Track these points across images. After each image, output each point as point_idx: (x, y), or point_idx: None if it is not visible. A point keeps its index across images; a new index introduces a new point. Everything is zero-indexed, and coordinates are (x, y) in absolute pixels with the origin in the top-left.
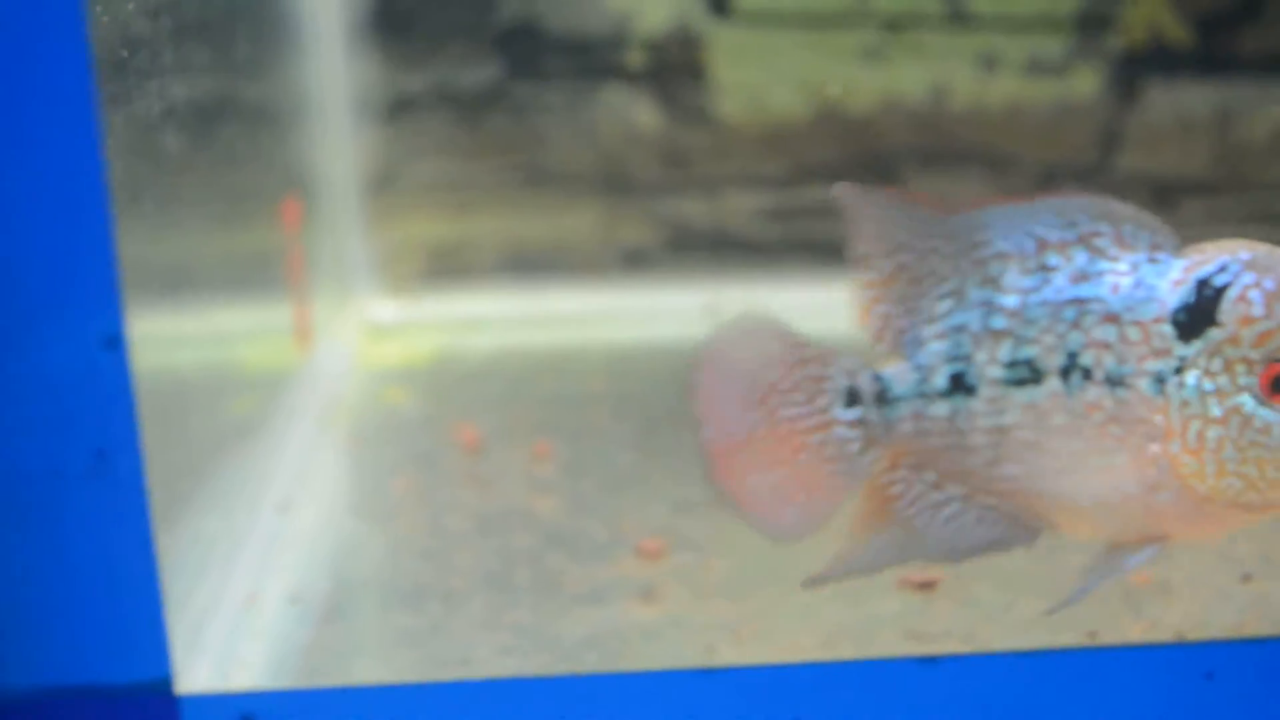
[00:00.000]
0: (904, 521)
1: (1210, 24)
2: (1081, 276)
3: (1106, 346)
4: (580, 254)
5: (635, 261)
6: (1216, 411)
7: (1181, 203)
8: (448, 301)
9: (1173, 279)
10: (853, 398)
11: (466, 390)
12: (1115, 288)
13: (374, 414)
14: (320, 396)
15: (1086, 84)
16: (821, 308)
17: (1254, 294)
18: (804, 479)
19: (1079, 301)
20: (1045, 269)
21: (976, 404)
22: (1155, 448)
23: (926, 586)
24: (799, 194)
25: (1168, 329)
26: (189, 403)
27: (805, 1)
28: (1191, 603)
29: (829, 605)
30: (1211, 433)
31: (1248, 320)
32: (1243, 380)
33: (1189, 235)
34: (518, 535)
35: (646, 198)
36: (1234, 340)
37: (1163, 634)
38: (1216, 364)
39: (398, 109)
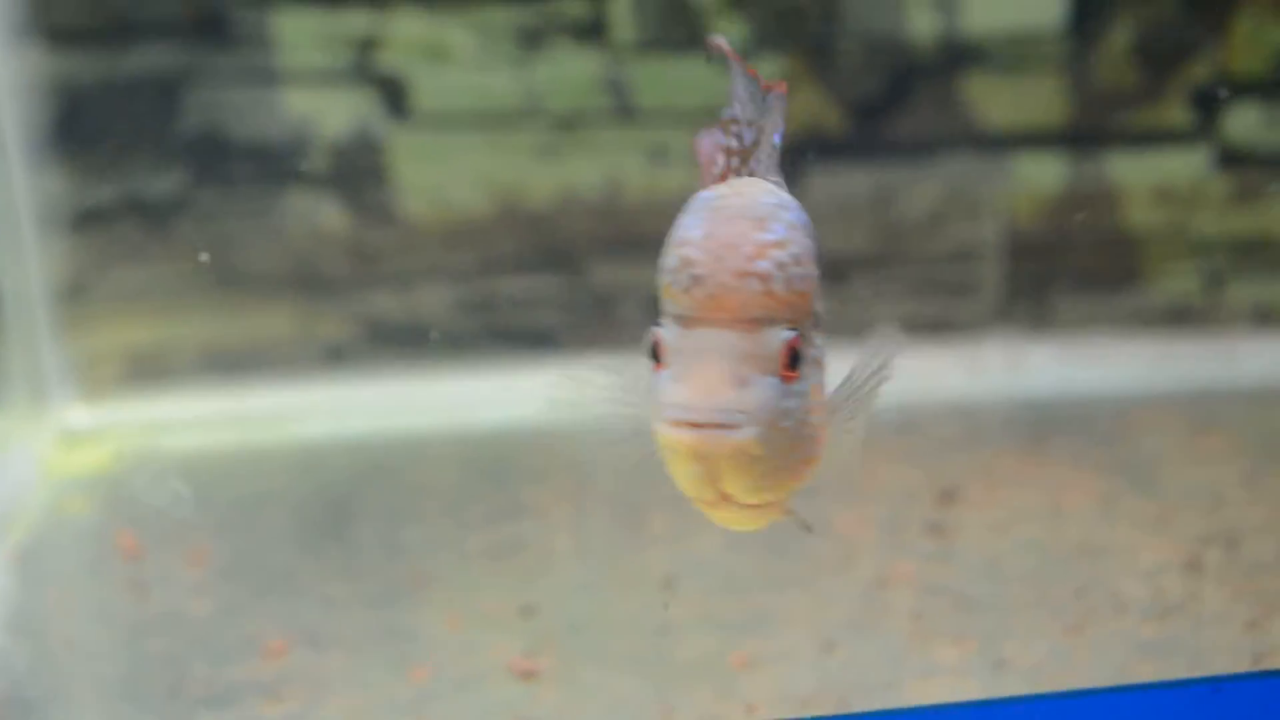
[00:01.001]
0: None
1: (863, 111)
2: None
3: None
4: (277, 352)
5: (333, 357)
6: None
7: (849, 277)
8: (145, 406)
9: None
10: None
11: (149, 496)
12: None
13: (50, 524)
14: (1, 508)
15: None
16: (516, 394)
17: (676, 231)
18: None
19: None
20: None
21: None
22: None
23: (529, 675)
24: (487, 285)
25: None
26: None
27: (481, 103)
28: (772, 674)
29: (440, 697)
30: None
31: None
32: None
33: (858, 309)
34: (160, 640)
35: (340, 295)
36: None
37: (735, 707)
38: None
39: (86, 219)
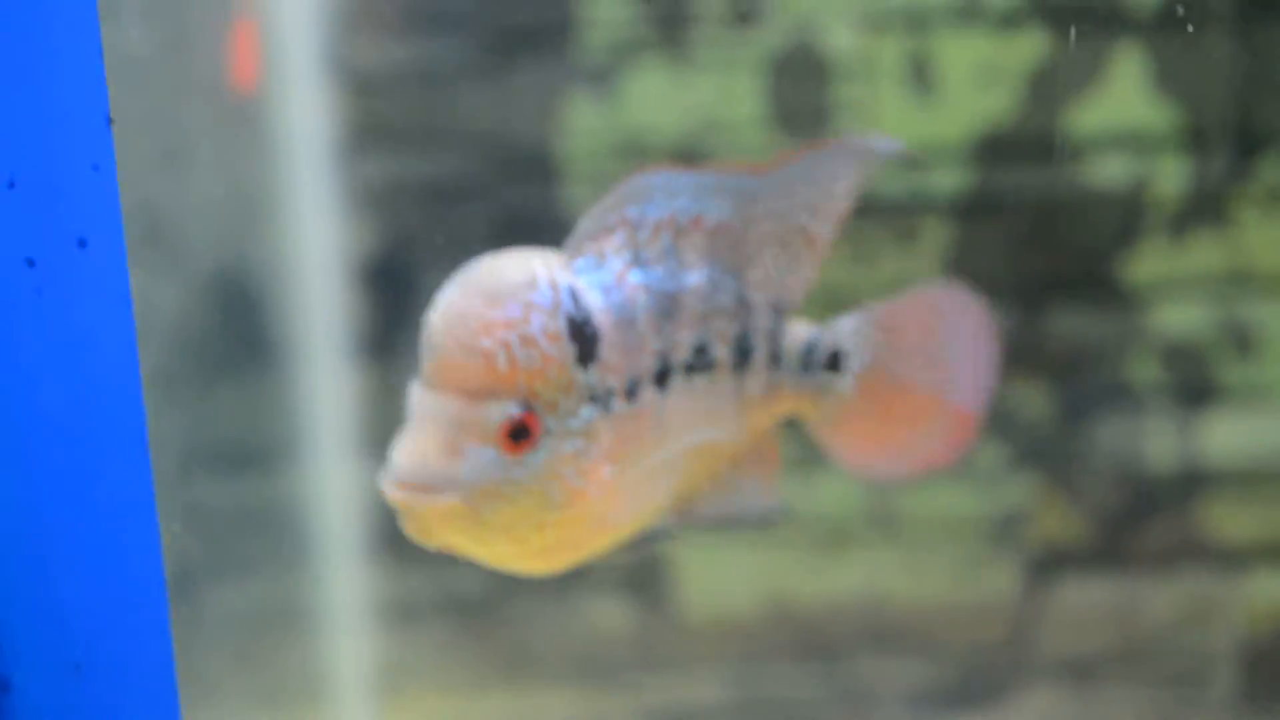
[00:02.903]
0: None
1: (1108, 526)
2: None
3: None
4: None
5: None
6: None
7: (1094, 679)
8: None
9: None
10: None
11: None
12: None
13: None
14: None
15: (1005, 580)
16: None
17: None
18: None
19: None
20: None
21: None
22: None
23: None
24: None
25: None
26: None
27: None
28: None
29: None
30: None
31: None
32: None
33: (1103, 710)
34: None
35: None
36: None
37: None
38: None
39: (405, 614)
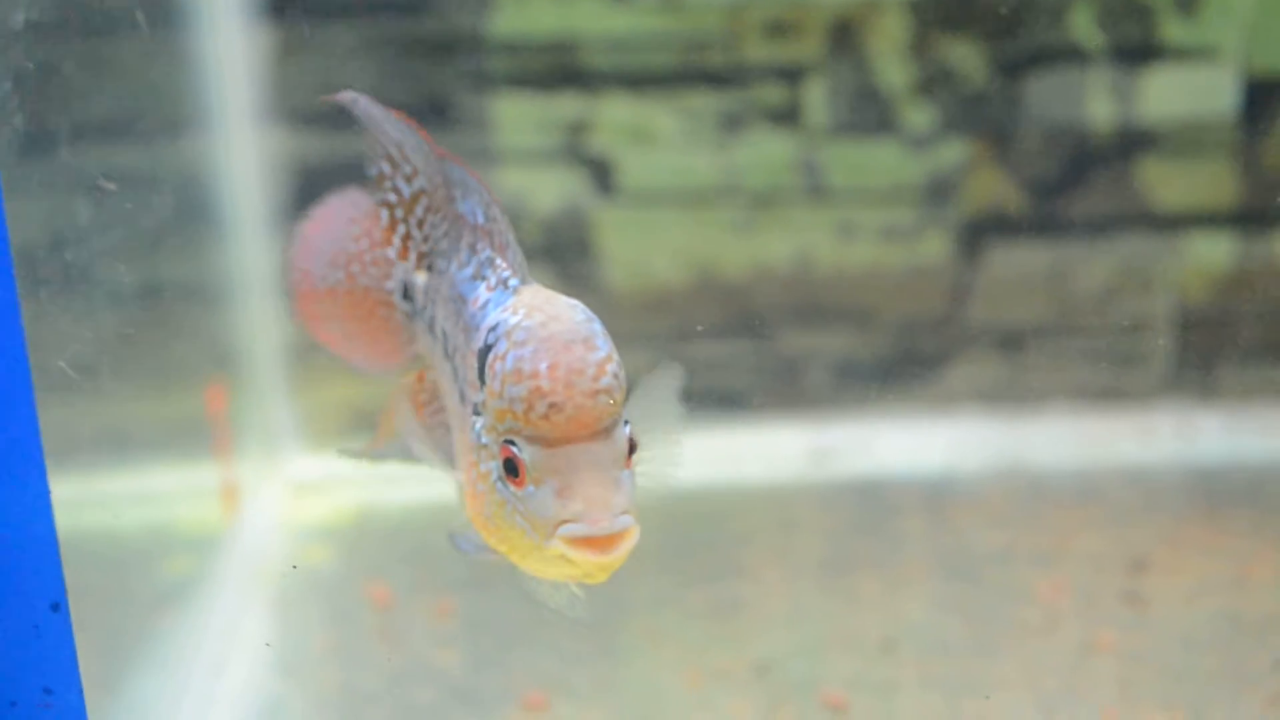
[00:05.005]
0: (421, 426)
1: (1041, 192)
2: (475, 274)
3: (460, 353)
4: None
5: None
6: (484, 465)
7: (1025, 347)
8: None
9: (496, 315)
10: (406, 292)
11: (385, 546)
12: (477, 300)
13: (297, 572)
14: (247, 556)
15: (935, 247)
16: (711, 454)
17: (498, 365)
18: (371, 334)
19: (460, 298)
20: (472, 250)
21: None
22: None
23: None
24: (684, 351)
25: (475, 362)
26: (125, 565)
27: (681, 181)
28: None
29: None
30: (480, 484)
31: (492, 392)
32: (495, 448)
33: (1033, 377)
34: (420, 690)
35: None
36: (490, 406)
37: None
38: (488, 419)
39: None
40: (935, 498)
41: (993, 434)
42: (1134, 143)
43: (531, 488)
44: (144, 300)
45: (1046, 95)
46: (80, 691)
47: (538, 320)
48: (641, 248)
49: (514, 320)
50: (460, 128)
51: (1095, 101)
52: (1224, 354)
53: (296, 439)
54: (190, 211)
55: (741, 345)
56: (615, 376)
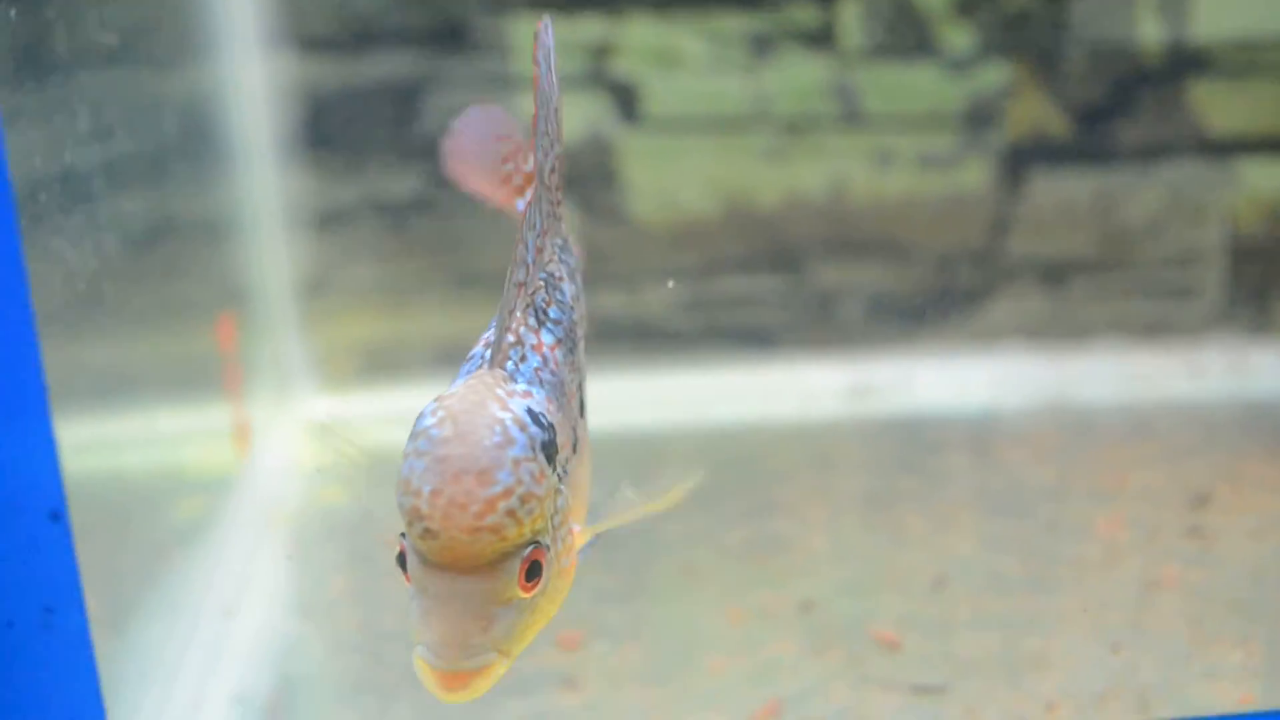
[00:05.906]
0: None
1: (1087, 117)
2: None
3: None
4: None
5: None
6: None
7: (1070, 281)
8: (383, 398)
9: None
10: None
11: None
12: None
13: (312, 513)
14: (260, 497)
15: (975, 176)
16: (736, 391)
17: (404, 466)
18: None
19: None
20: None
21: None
22: None
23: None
24: (712, 285)
25: None
26: (132, 507)
27: (711, 108)
28: (1063, 673)
29: (740, 686)
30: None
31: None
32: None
33: (1078, 311)
34: None
35: None
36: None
37: (1034, 705)
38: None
39: (328, 219)
40: (979, 435)
41: (1037, 370)
42: (1185, 64)
43: (412, 589)
44: (151, 232)
45: (1093, 14)
46: (84, 612)
47: (443, 434)
48: (668, 177)
49: (426, 422)
50: (478, 52)
51: (1144, 21)
52: (1278, 286)
53: (310, 380)
54: (198, 140)
55: (773, 279)
56: (509, 514)
